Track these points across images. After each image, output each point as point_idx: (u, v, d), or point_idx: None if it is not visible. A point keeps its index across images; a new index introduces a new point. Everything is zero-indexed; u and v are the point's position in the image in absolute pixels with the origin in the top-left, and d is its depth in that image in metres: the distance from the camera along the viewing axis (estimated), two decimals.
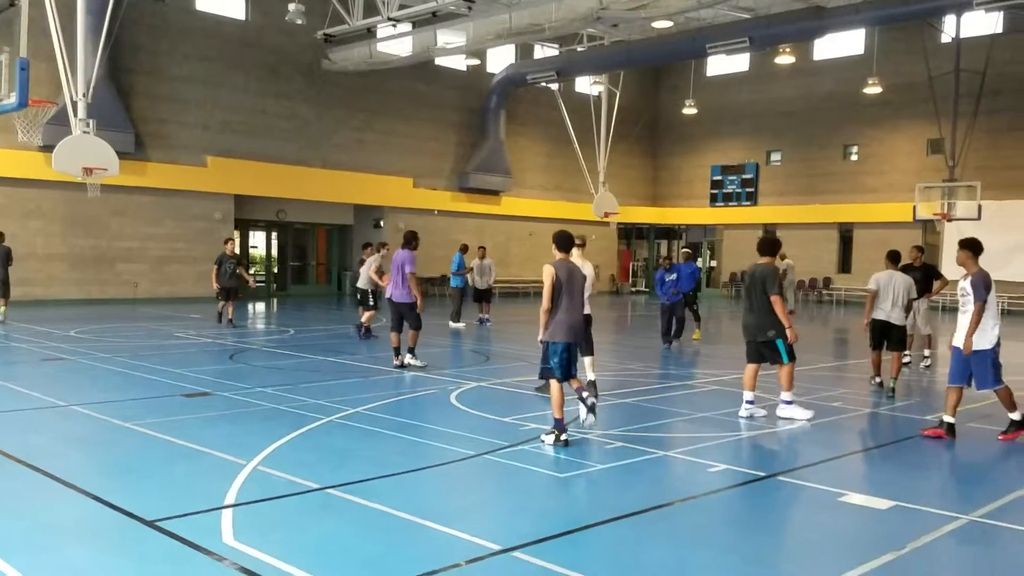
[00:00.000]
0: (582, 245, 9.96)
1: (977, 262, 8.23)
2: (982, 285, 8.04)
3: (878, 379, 11.27)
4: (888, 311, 10.84)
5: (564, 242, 7.80)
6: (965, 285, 8.14)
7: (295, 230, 30.83)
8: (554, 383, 7.54)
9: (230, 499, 5.65)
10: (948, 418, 8.16)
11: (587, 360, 9.91)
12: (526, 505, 5.82)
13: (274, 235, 30.47)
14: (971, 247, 8.25)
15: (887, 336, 10.98)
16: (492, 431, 7.97)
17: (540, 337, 7.61)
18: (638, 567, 4.65)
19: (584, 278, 7.95)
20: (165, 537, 4.91)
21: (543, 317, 7.53)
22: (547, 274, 7.47)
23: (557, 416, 7.44)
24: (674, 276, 15.50)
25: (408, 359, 12.01)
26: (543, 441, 7.47)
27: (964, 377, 8.17)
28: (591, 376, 9.93)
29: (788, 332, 8.75)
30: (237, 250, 17.91)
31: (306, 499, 5.76)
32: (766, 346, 8.95)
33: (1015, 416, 8.17)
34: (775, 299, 8.75)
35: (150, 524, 5.12)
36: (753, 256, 9.38)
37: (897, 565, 4.76)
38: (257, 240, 30.64)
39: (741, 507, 6.10)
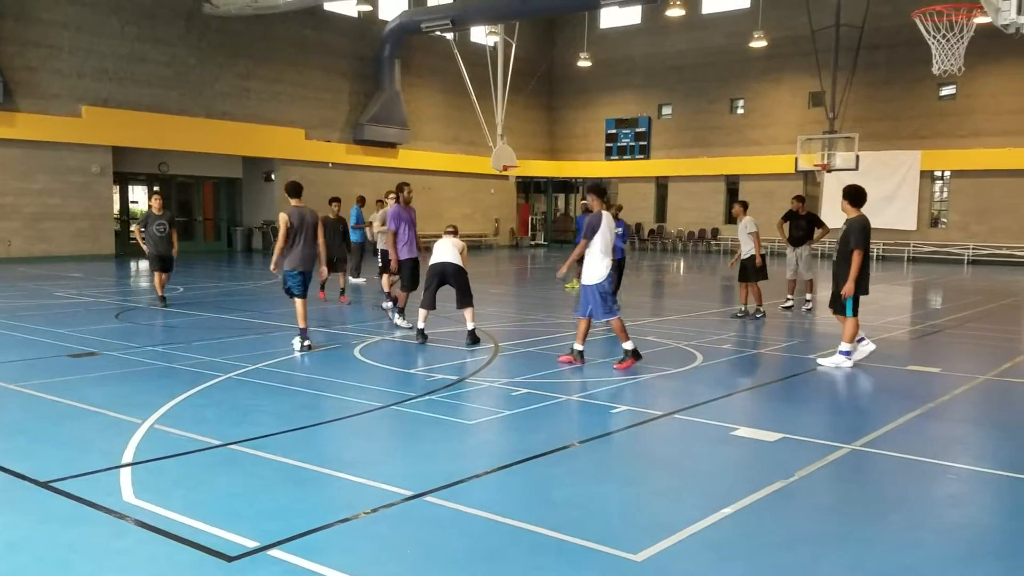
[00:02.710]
0: (453, 233, 10.78)
1: (602, 204, 8.92)
2: (591, 226, 8.77)
3: (744, 308, 13.06)
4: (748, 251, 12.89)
5: (294, 190, 9.57)
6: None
7: (179, 184, 29.54)
8: (298, 300, 9.47)
9: (127, 458, 5.48)
10: (578, 346, 8.92)
11: (467, 312, 10.26)
12: (436, 452, 5.87)
13: (156, 190, 29.08)
14: (596, 191, 9.01)
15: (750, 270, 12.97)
16: (398, 383, 7.97)
17: (272, 268, 9.71)
18: (547, 504, 4.79)
19: (315, 222, 9.62)
20: (61, 497, 4.73)
21: (276, 255, 9.48)
22: (282, 220, 9.36)
23: (301, 326, 9.39)
24: (619, 229, 13.00)
25: (386, 305, 12.19)
26: (293, 346, 9.42)
27: (587, 310, 8.84)
28: (470, 326, 10.20)
29: (848, 285, 8.76)
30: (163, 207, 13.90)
31: (208, 455, 5.64)
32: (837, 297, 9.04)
33: (627, 346, 8.82)
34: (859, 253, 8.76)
35: (44, 485, 4.92)
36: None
37: (786, 492, 5.07)
38: (138, 195, 29.22)
39: (641, 444, 6.34)
